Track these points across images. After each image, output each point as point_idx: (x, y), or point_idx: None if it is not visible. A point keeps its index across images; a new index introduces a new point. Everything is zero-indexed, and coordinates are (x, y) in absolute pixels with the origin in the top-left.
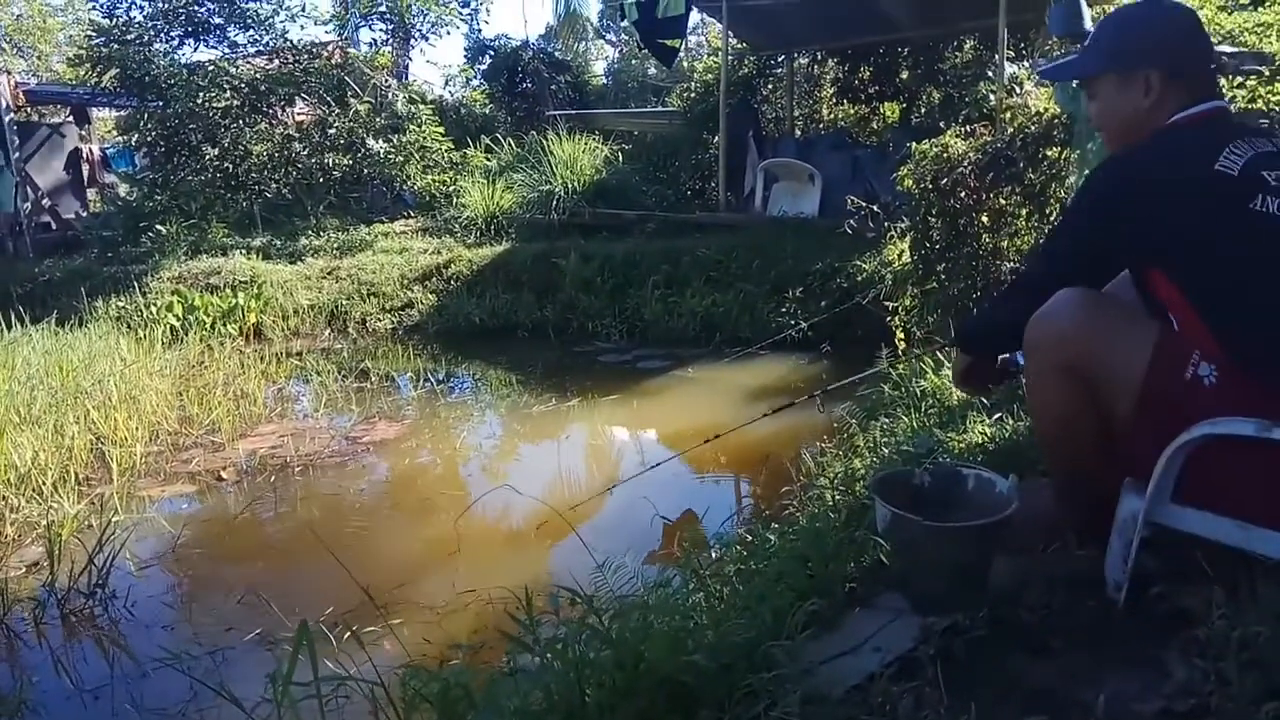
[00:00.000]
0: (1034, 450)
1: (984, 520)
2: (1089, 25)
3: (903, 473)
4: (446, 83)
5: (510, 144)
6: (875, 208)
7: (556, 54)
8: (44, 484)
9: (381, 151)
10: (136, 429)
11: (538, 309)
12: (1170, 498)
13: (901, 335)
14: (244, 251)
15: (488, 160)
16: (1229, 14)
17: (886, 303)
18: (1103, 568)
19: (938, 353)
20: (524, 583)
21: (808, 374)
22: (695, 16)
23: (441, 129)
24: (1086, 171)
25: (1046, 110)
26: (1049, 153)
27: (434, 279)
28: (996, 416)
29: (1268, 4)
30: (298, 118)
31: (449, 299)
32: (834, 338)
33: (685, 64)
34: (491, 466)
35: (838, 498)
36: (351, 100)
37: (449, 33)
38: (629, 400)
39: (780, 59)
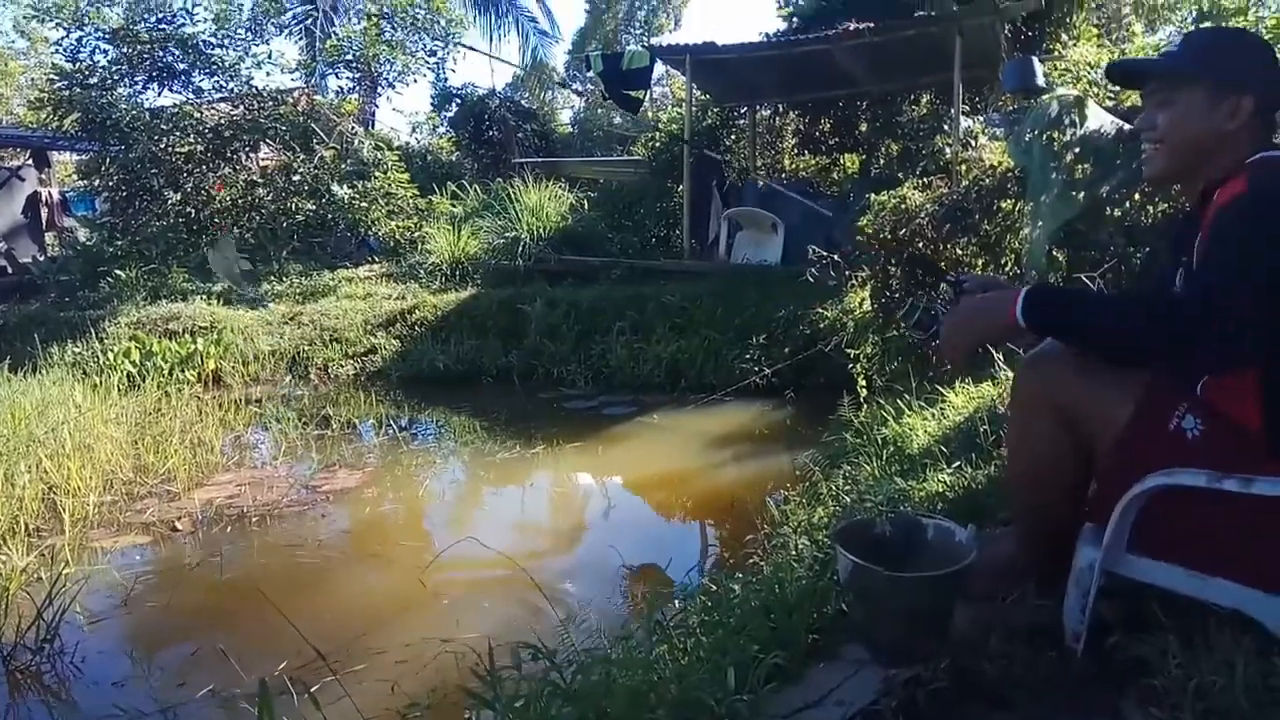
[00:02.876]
0: (991, 499)
1: (944, 570)
2: (1040, 81)
3: (864, 522)
4: (413, 130)
5: (476, 190)
6: (836, 256)
7: (523, 102)
8: None
9: (346, 197)
10: (90, 478)
11: (503, 355)
12: (1126, 547)
13: (863, 382)
14: (204, 297)
15: (453, 207)
16: None
17: (848, 350)
18: (1061, 617)
19: (897, 400)
20: (485, 636)
21: (772, 420)
22: (659, 68)
23: (407, 175)
24: (1040, 224)
25: (1000, 164)
26: (1003, 205)
27: (398, 324)
28: (956, 465)
29: None
30: (262, 163)
31: (413, 345)
32: (798, 384)
33: (650, 114)
34: (454, 515)
35: (801, 546)
36: (317, 146)
37: (415, 80)
38: (594, 447)
39: (743, 110)
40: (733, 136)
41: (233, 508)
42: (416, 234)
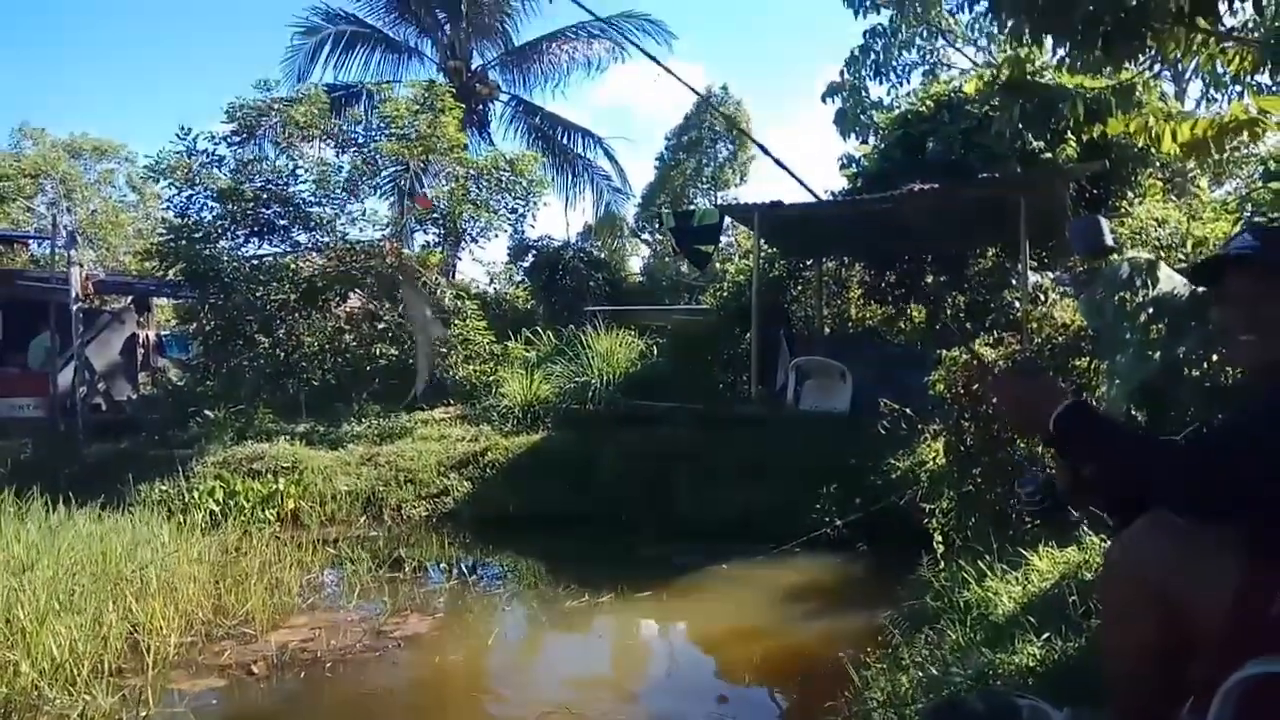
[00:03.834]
0: (1085, 676)
1: None
2: (1110, 241)
3: (955, 701)
4: (491, 278)
5: (549, 336)
6: (906, 409)
7: (594, 252)
8: (78, 674)
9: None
10: (173, 618)
11: (572, 499)
12: None
13: (940, 539)
14: (288, 437)
15: (527, 352)
16: None
17: (923, 504)
18: None
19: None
20: None
21: (844, 574)
22: (727, 220)
23: (484, 322)
24: (1117, 383)
25: (1073, 322)
26: (1077, 362)
27: (470, 466)
28: (1045, 636)
29: None
30: (348, 308)
31: (484, 486)
32: (870, 537)
33: (717, 264)
34: (517, 667)
35: None
36: (402, 296)
37: (496, 236)
38: (662, 597)
39: (809, 261)
40: (799, 286)
41: (306, 652)
42: (491, 378)
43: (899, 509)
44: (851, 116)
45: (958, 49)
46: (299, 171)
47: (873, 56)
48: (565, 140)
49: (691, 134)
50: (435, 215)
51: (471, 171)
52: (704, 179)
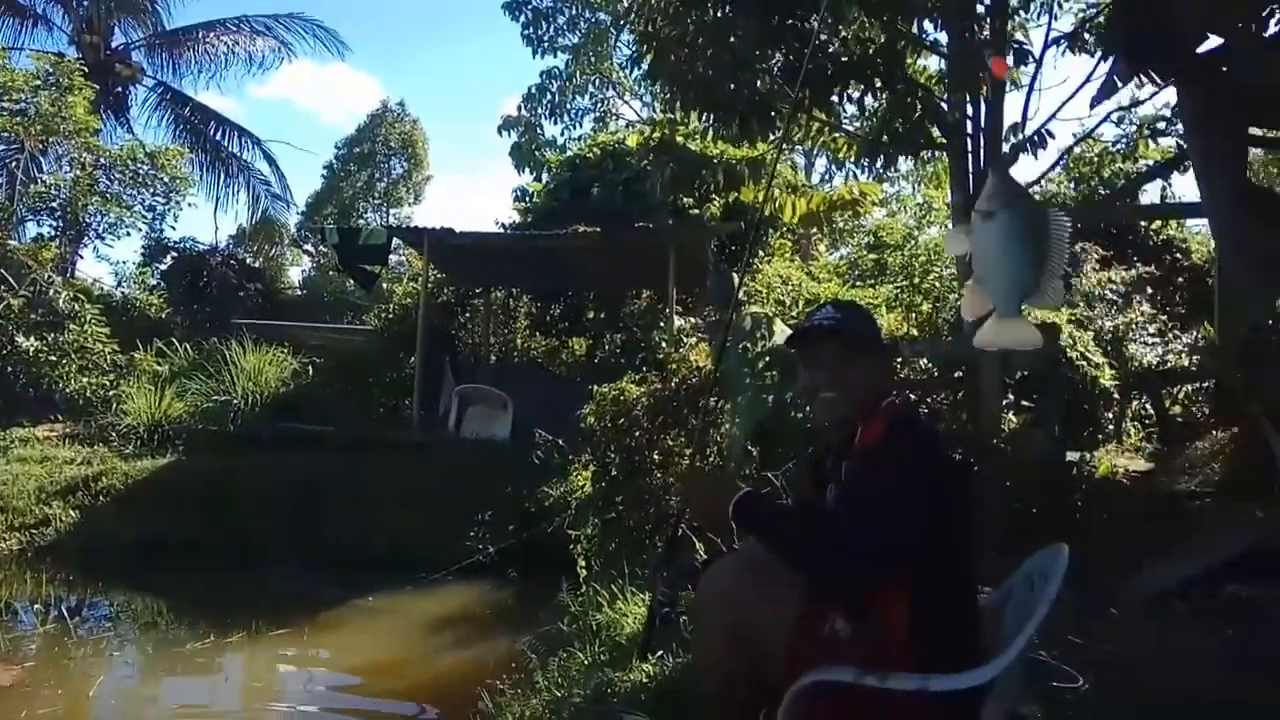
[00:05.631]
0: (687, 685)
1: None
2: (740, 296)
3: None
4: (120, 281)
5: (187, 349)
6: (560, 440)
7: (247, 260)
8: None
9: (31, 350)
10: None
11: (204, 529)
12: None
13: (583, 564)
14: None
15: (159, 365)
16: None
17: (570, 530)
18: None
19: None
20: None
21: (494, 600)
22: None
23: (108, 329)
24: (738, 421)
25: (705, 366)
26: (706, 402)
27: (80, 492)
28: (659, 654)
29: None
30: None
31: (96, 515)
32: (522, 564)
33: (385, 285)
34: (124, 716)
35: None
36: (4, 294)
37: (129, 234)
38: (301, 634)
39: (478, 290)
40: (467, 314)
41: None
42: (112, 392)
43: (549, 536)
44: (526, 151)
45: (626, 102)
46: None
47: (549, 96)
48: (220, 137)
49: (365, 146)
50: (53, 206)
51: (103, 160)
52: (376, 194)
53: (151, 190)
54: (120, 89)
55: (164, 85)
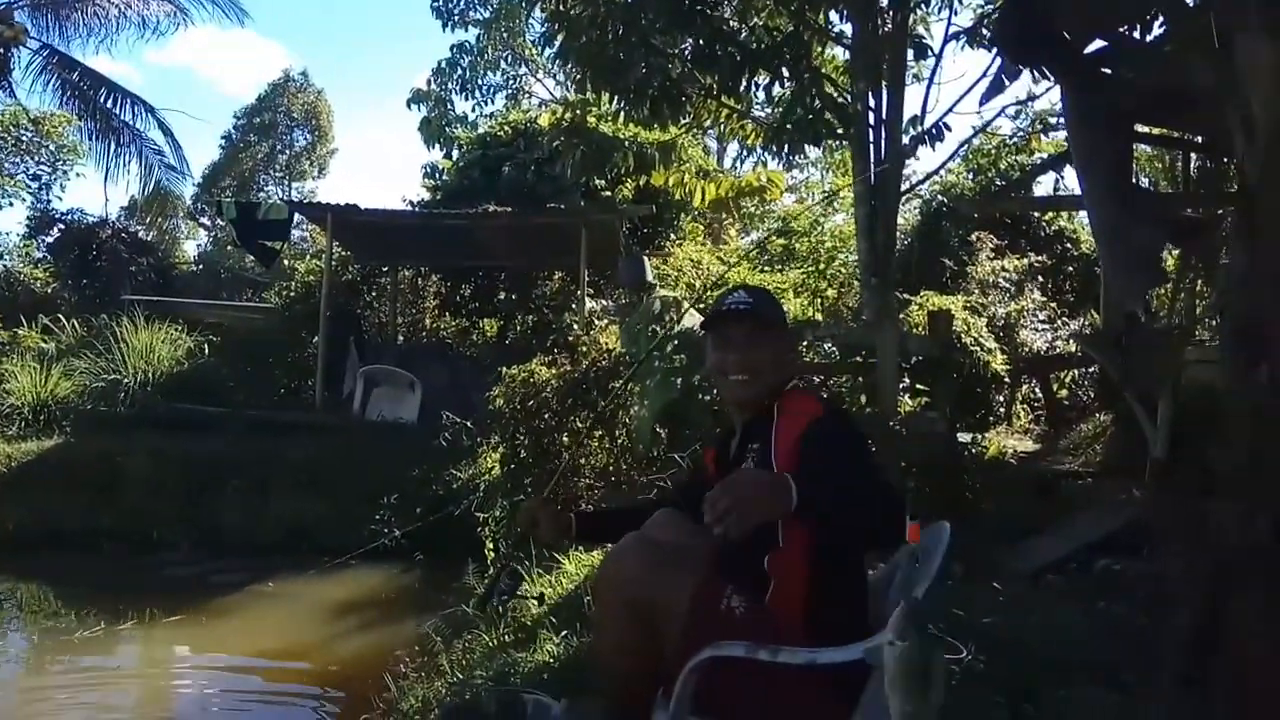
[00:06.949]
0: (588, 665)
1: None
2: (650, 278)
3: (471, 702)
4: (1, 254)
5: (75, 326)
6: (470, 422)
7: (139, 233)
8: None
9: None
10: None
11: (92, 514)
12: (690, 712)
13: (490, 546)
14: None
15: (44, 342)
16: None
17: (478, 513)
18: None
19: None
20: None
21: (400, 585)
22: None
23: None
24: (646, 403)
25: (614, 348)
26: (615, 384)
27: None
28: (563, 634)
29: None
30: None
31: None
32: (428, 547)
33: (287, 262)
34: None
35: None
36: None
37: (11, 204)
38: (197, 620)
39: (385, 268)
40: (373, 293)
41: None
42: None
43: (457, 518)
44: (435, 127)
45: (539, 79)
46: None
47: (459, 72)
48: (111, 104)
49: (265, 116)
50: None
51: None
52: (277, 167)
53: (36, 159)
54: (2, 50)
55: (50, 48)
